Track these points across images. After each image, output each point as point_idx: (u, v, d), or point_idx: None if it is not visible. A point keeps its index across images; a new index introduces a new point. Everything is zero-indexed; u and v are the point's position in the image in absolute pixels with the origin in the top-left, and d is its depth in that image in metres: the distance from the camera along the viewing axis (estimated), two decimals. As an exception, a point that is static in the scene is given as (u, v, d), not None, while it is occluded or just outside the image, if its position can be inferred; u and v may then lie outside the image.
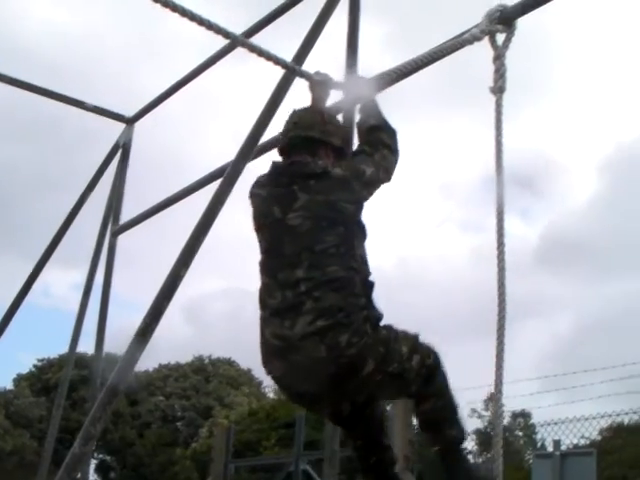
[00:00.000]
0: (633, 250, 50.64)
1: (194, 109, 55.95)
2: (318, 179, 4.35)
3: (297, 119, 4.61)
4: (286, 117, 4.70)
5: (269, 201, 4.40)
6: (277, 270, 4.26)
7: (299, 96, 5.07)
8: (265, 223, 4.39)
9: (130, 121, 9.08)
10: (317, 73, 4.96)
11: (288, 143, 4.59)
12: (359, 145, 4.69)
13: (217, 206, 4.77)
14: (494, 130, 4.38)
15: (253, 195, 4.51)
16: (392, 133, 4.76)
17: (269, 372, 4.26)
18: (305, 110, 4.70)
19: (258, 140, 5.03)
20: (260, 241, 4.42)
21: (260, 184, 4.51)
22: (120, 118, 9.09)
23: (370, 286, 4.36)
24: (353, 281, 4.25)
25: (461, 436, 4.33)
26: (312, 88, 4.96)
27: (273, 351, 4.17)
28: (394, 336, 4.26)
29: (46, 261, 8.70)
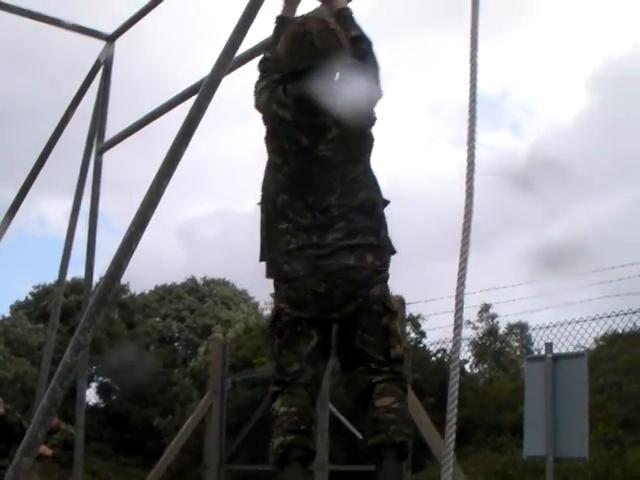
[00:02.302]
0: (621, 165, 50.51)
1: (177, 24, 55.33)
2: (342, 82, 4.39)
3: (313, 39, 4.43)
4: (290, 30, 4.58)
5: (295, 128, 4.34)
6: (305, 194, 4.32)
7: (275, 4, 5.01)
8: (290, 149, 4.37)
9: (110, 38, 8.93)
10: None
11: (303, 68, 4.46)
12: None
13: (196, 119, 4.71)
14: (470, 32, 4.26)
15: (273, 115, 4.43)
16: (370, 44, 4.72)
17: (285, 275, 4.31)
18: (318, 28, 4.47)
19: (235, 51, 4.96)
20: (280, 164, 4.40)
21: (281, 103, 4.42)
22: (100, 35, 8.95)
23: (386, 204, 4.49)
24: (379, 202, 4.43)
25: (405, 448, 4.29)
26: None
27: (298, 256, 4.26)
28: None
29: (30, 185, 8.65)
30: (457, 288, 3.80)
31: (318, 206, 4.29)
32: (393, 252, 4.49)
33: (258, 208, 4.56)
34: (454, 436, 3.85)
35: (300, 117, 4.36)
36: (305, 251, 4.25)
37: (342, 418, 13.15)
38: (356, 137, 4.38)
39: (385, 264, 4.44)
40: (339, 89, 4.37)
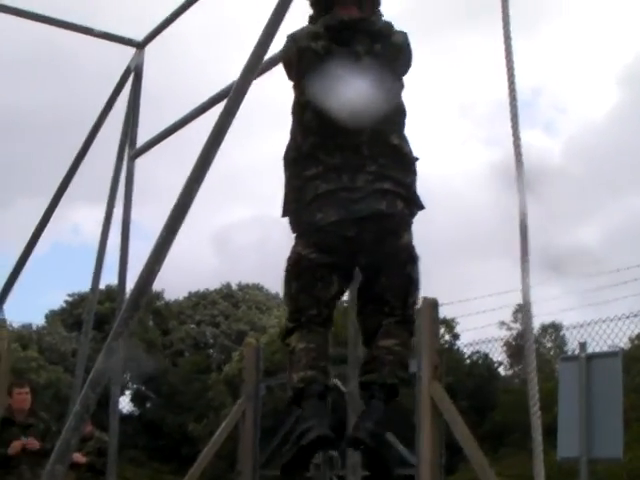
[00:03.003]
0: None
1: (206, 29, 55.46)
2: (383, 43, 4.36)
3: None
4: None
5: (327, 60, 4.30)
6: (334, 132, 4.25)
7: (303, 9, 5.01)
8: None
9: (140, 45, 9.02)
10: None
11: None
12: None
13: (226, 123, 4.74)
14: (502, 30, 4.28)
15: (303, 49, 4.37)
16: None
17: (318, 221, 4.26)
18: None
19: (265, 53, 4.99)
20: (307, 101, 4.34)
21: (313, 35, 4.38)
22: (130, 42, 9.03)
23: (417, 160, 4.52)
24: (410, 155, 4.44)
25: (395, 390, 4.31)
26: None
27: (329, 200, 4.23)
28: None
29: (62, 193, 8.74)
30: (523, 295, 3.82)
31: (348, 145, 4.26)
32: (422, 207, 4.49)
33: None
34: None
35: (333, 46, 4.32)
36: (336, 194, 4.23)
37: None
38: (385, 73, 4.33)
39: (413, 214, 4.45)
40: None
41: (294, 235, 4.49)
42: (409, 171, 4.43)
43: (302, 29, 4.51)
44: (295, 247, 4.43)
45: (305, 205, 4.31)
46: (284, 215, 4.52)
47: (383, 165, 4.28)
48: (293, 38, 4.46)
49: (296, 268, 4.40)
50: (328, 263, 4.32)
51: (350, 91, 4.25)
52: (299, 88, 4.44)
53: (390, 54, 4.38)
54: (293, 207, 4.42)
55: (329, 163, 4.26)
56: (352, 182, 4.23)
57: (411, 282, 4.46)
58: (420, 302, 8.36)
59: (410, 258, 4.44)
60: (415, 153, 4.49)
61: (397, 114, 4.45)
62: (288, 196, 4.46)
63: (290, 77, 4.54)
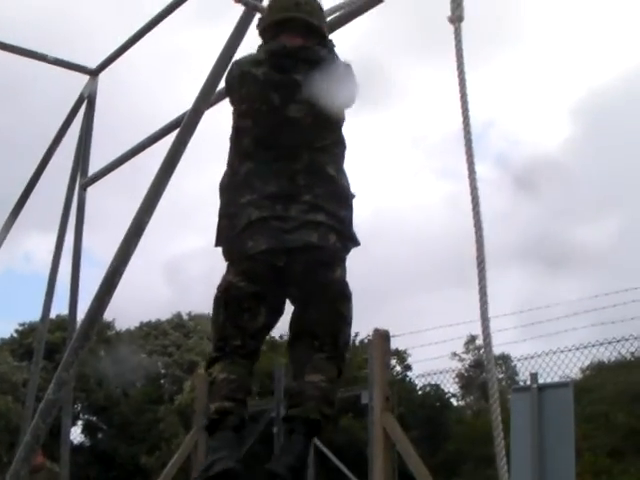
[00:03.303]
0: (607, 189, 50.78)
1: (160, 58, 55.49)
2: (322, 70, 4.35)
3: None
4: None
5: (266, 85, 4.33)
6: (271, 159, 4.28)
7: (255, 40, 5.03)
8: (259, 109, 4.34)
9: (94, 72, 8.98)
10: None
11: (282, 22, 4.51)
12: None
13: (177, 153, 4.71)
14: (455, 61, 4.30)
15: (245, 74, 4.41)
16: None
17: (248, 249, 4.24)
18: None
19: (217, 84, 4.98)
20: (249, 127, 4.36)
21: (254, 62, 4.42)
22: (83, 70, 8.98)
23: (353, 197, 4.48)
24: (347, 189, 4.44)
25: (317, 426, 4.26)
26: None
27: (261, 229, 4.22)
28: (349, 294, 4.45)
29: (14, 221, 8.64)
30: (482, 324, 3.82)
31: (284, 173, 4.26)
32: (357, 243, 4.47)
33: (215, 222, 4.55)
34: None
35: (273, 73, 4.35)
36: (269, 223, 4.21)
37: (328, 453, 13.12)
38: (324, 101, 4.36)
39: (347, 249, 4.43)
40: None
41: (227, 263, 4.47)
42: (344, 205, 4.41)
43: (246, 56, 4.57)
44: (226, 275, 4.42)
45: (237, 233, 4.29)
46: (217, 244, 4.51)
47: (318, 195, 4.27)
48: (237, 63, 4.53)
49: (224, 296, 4.38)
50: (256, 292, 4.29)
51: (286, 118, 4.27)
52: (238, 113, 4.45)
53: (331, 80, 4.36)
54: (226, 235, 4.40)
55: (264, 191, 4.26)
56: (285, 211, 4.23)
57: (342, 319, 4.42)
58: (372, 333, 8.38)
59: (341, 294, 4.42)
60: (353, 189, 4.48)
61: (336, 145, 4.45)
62: (222, 224, 4.45)
63: (232, 102, 4.56)
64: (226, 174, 4.47)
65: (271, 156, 4.28)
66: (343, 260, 4.43)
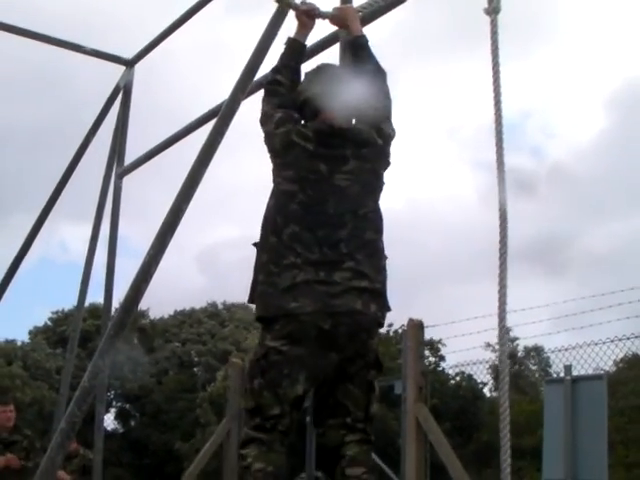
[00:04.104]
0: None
1: (196, 48, 55.57)
2: (369, 148, 4.47)
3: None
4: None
5: (316, 157, 4.38)
6: (317, 226, 4.29)
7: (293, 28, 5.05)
8: (308, 177, 4.36)
9: (130, 63, 9.04)
10: (303, 2, 4.93)
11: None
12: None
13: (215, 142, 4.75)
14: (490, 54, 4.29)
15: (294, 144, 4.43)
16: (385, 74, 4.83)
17: (293, 309, 4.20)
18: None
19: (254, 74, 5.01)
20: (295, 191, 4.37)
21: (304, 136, 4.44)
22: (119, 60, 9.04)
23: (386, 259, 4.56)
24: (383, 248, 4.50)
25: None
26: (298, 17, 4.94)
27: (306, 291, 4.20)
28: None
29: (50, 209, 8.70)
30: (499, 315, 3.80)
31: (328, 240, 4.27)
32: (389, 309, 4.48)
33: (254, 249, 4.53)
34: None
35: (321, 149, 4.40)
36: (314, 286, 4.20)
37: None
38: (369, 173, 4.46)
39: (384, 317, 4.46)
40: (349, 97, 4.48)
41: (262, 327, 4.42)
42: (382, 269, 4.46)
43: (292, 125, 4.55)
44: (263, 341, 4.35)
45: (280, 292, 4.25)
46: (251, 299, 4.49)
47: (360, 262, 4.30)
48: (289, 121, 4.56)
49: (263, 362, 4.30)
50: (298, 356, 4.22)
51: (332, 187, 4.33)
52: (282, 175, 4.46)
53: (375, 154, 4.51)
54: (265, 291, 4.34)
55: (308, 257, 4.26)
56: (329, 277, 4.23)
57: (373, 390, 4.43)
58: (406, 323, 8.37)
59: (377, 363, 4.44)
60: (385, 251, 4.51)
61: (375, 211, 4.52)
62: (260, 279, 4.40)
63: (271, 152, 4.59)
64: (268, 229, 4.43)
65: (317, 223, 4.30)
66: (379, 329, 4.48)
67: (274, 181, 4.52)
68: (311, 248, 4.26)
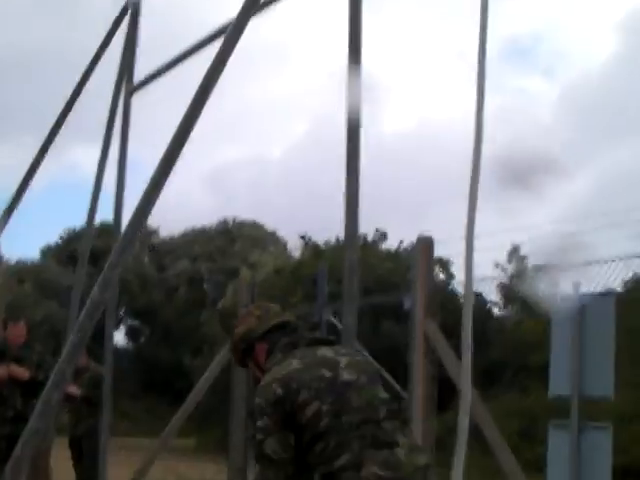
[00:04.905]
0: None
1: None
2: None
3: None
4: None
5: (313, 368, 4.24)
6: (348, 426, 4.11)
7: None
8: (318, 387, 4.16)
9: (138, -18, 8.94)
10: None
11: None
12: None
13: (223, 59, 4.74)
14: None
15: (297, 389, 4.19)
16: None
17: None
18: None
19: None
20: (316, 410, 4.12)
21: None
22: (127, -20, 8.96)
23: None
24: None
25: None
26: None
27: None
28: None
29: (58, 129, 8.69)
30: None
31: (366, 435, 4.10)
32: None
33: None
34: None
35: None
36: (382, 473, 4.01)
37: (368, 357, 13.22)
38: (368, 363, 4.50)
39: None
40: None
41: None
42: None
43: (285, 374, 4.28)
44: None
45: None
46: None
47: (407, 435, 4.28)
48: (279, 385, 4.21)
49: None
50: None
51: (343, 383, 4.19)
52: (296, 409, 4.13)
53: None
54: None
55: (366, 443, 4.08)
56: (393, 456, 4.07)
57: None
58: (415, 240, 8.41)
59: None
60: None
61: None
62: None
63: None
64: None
65: (348, 422, 4.12)
66: None
67: (296, 421, 4.23)
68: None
